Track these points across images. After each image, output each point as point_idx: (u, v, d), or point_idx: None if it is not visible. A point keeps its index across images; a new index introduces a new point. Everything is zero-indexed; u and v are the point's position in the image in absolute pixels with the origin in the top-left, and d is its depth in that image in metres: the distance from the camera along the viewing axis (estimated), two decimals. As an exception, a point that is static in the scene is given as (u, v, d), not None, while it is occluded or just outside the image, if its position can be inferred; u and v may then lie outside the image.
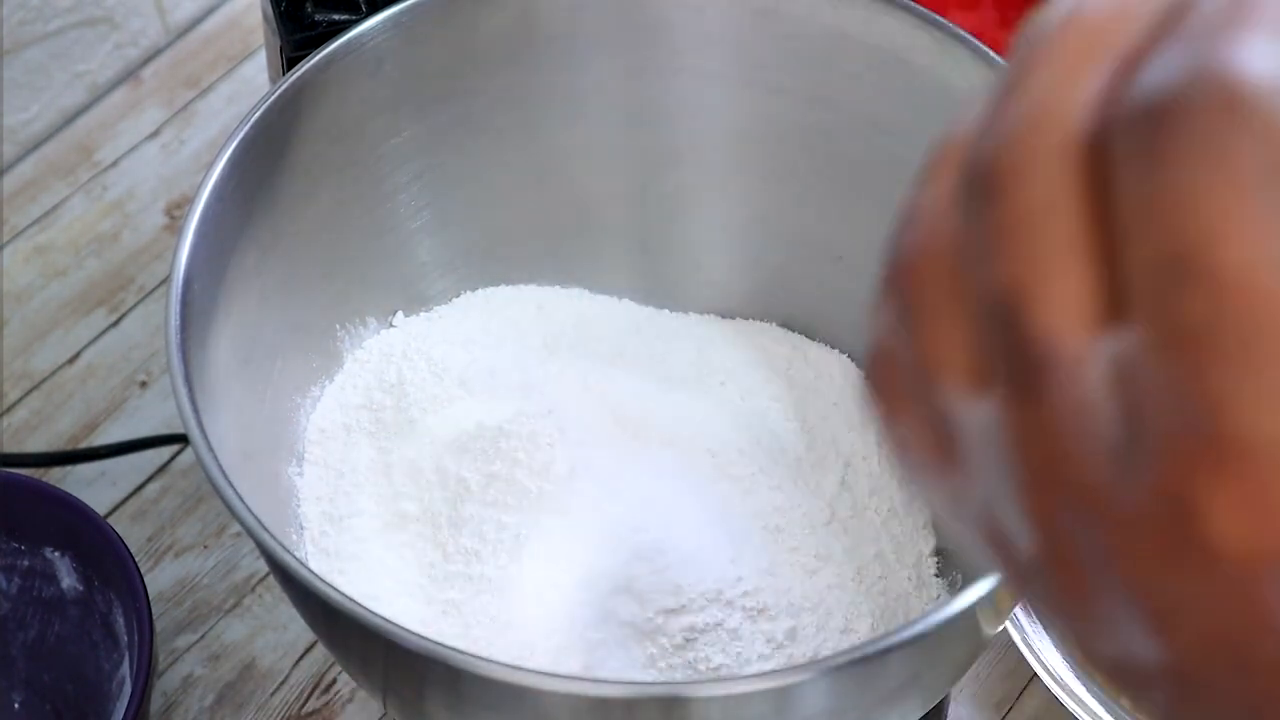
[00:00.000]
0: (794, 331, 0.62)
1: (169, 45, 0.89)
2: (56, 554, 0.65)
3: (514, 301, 0.60)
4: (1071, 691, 0.58)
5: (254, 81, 0.88)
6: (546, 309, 0.60)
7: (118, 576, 0.63)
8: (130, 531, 0.71)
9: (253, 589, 0.70)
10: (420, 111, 0.56)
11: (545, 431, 0.53)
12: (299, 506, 0.53)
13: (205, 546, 0.72)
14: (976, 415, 0.23)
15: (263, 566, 0.70)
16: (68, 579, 0.65)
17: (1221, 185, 0.19)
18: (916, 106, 0.54)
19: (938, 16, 0.52)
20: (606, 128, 0.59)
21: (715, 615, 0.49)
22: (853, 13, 0.54)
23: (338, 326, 0.57)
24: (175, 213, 0.83)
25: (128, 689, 0.62)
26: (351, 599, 0.41)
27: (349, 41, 0.53)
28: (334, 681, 0.68)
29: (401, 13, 0.54)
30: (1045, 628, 0.31)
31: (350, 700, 0.68)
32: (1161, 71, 0.20)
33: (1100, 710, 0.58)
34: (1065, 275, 0.21)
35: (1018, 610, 0.59)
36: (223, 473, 0.43)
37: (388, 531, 0.53)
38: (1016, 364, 0.22)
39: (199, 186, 0.49)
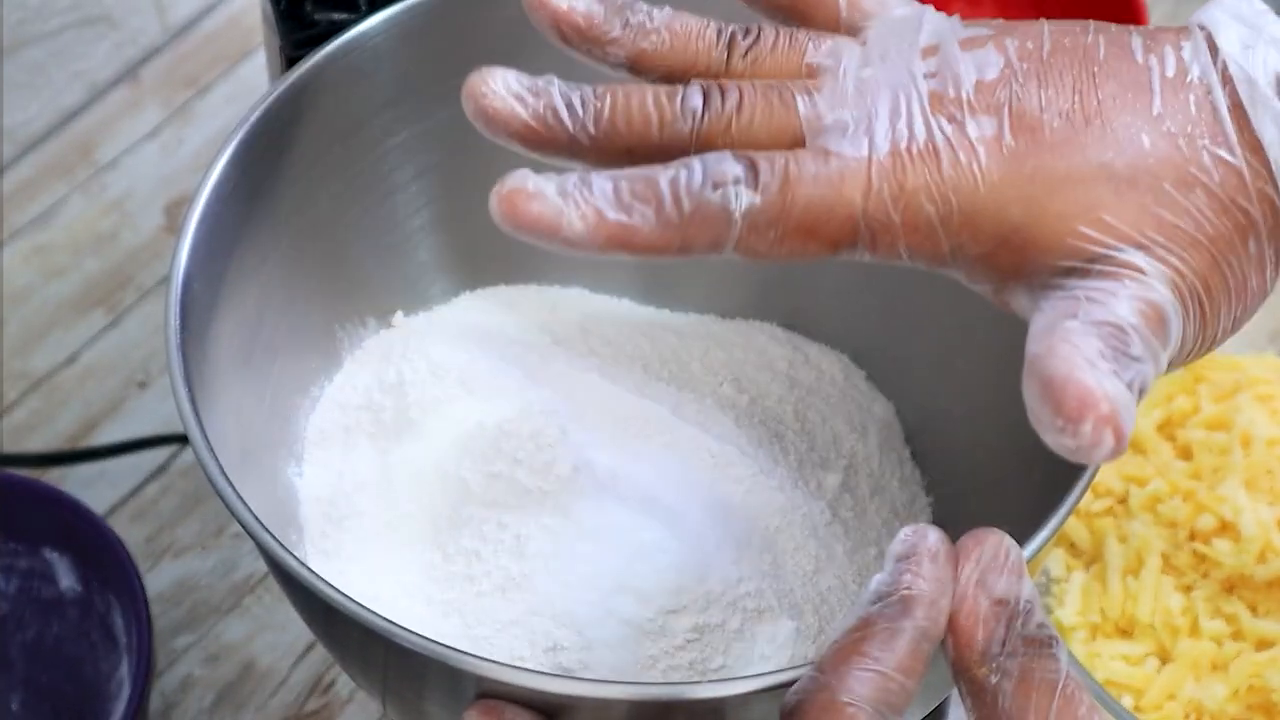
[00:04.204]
0: (794, 331, 0.62)
1: (168, 44, 0.89)
2: (55, 554, 0.65)
3: (514, 301, 0.60)
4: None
5: (253, 81, 0.88)
6: (546, 309, 0.60)
7: (116, 577, 0.63)
8: (129, 532, 0.71)
9: (252, 589, 0.70)
10: (420, 111, 0.56)
11: (546, 431, 0.53)
12: (298, 507, 0.53)
13: (204, 547, 0.72)
14: None
15: (262, 567, 0.70)
16: (66, 579, 0.65)
17: None
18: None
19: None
20: (606, 127, 0.59)
21: (717, 616, 0.49)
22: (853, 12, 0.53)
23: (337, 327, 0.57)
24: (174, 212, 0.83)
25: (126, 690, 0.62)
26: (351, 599, 0.41)
27: (349, 41, 0.53)
28: (333, 682, 0.68)
29: (401, 13, 0.54)
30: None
31: (350, 700, 0.68)
32: None
33: (1100, 711, 0.58)
34: None
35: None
36: (222, 473, 0.43)
37: (388, 532, 0.53)
38: None
39: (198, 186, 0.49)
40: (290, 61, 0.61)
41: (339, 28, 0.54)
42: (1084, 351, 0.38)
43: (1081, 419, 0.37)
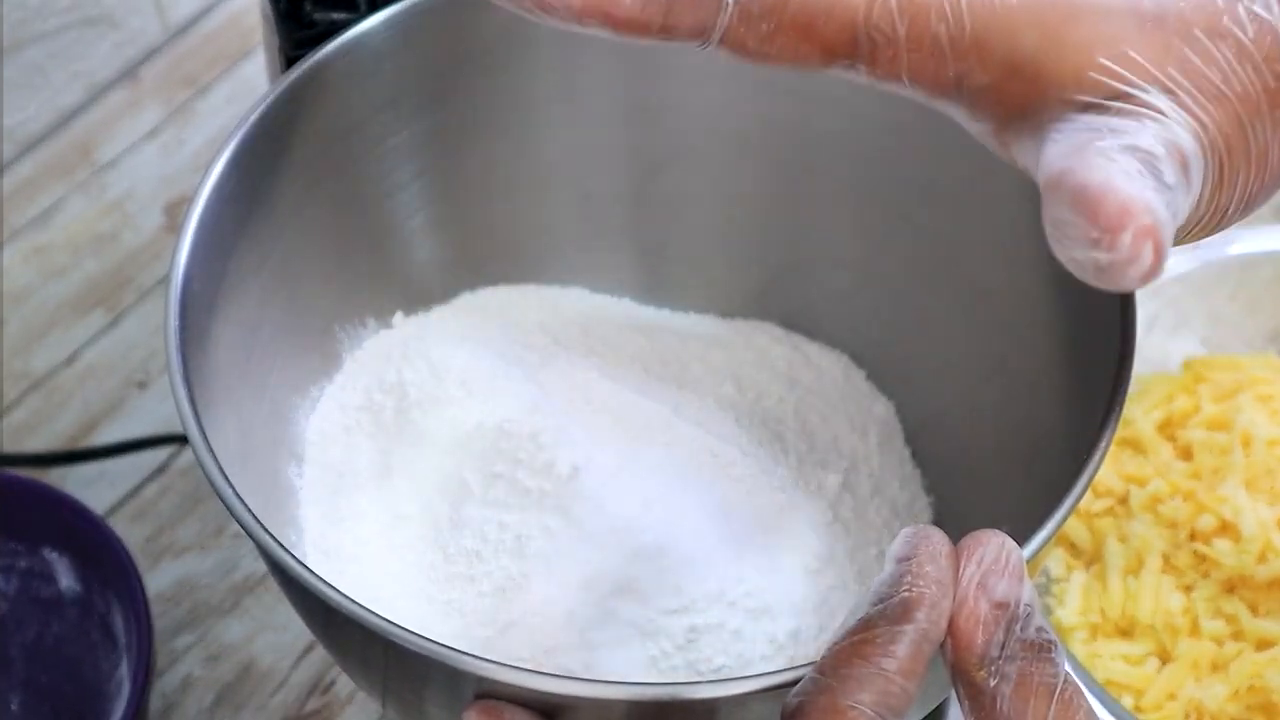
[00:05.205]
0: (794, 331, 0.62)
1: (168, 44, 0.89)
2: (55, 554, 0.65)
3: (514, 301, 0.60)
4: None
5: (253, 81, 0.88)
6: (546, 309, 0.60)
7: (116, 577, 0.63)
8: (129, 532, 0.71)
9: (252, 589, 0.70)
10: (420, 111, 0.56)
11: (546, 432, 0.53)
12: (298, 508, 0.53)
13: (204, 547, 0.72)
14: None
15: (262, 567, 0.70)
16: (66, 579, 0.65)
17: None
18: (917, 105, 0.54)
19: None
20: (606, 128, 0.59)
21: (717, 616, 0.49)
22: (854, 12, 0.53)
23: (337, 327, 0.57)
24: (174, 212, 0.83)
25: (126, 690, 0.62)
26: (351, 599, 0.41)
27: (348, 41, 0.53)
28: (333, 682, 0.68)
29: (401, 12, 0.54)
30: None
31: (349, 701, 0.68)
32: None
33: (1101, 711, 0.58)
34: None
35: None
36: (222, 473, 0.43)
37: (388, 533, 0.53)
38: None
39: (198, 186, 0.49)
40: (290, 61, 0.61)
41: (339, 27, 0.54)
42: (1121, 164, 0.36)
43: (1121, 227, 0.35)
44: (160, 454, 0.74)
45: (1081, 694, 0.37)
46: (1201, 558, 0.63)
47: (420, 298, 0.59)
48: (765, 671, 0.41)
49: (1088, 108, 0.37)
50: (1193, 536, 0.64)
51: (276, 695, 0.68)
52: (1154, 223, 0.35)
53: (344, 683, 0.68)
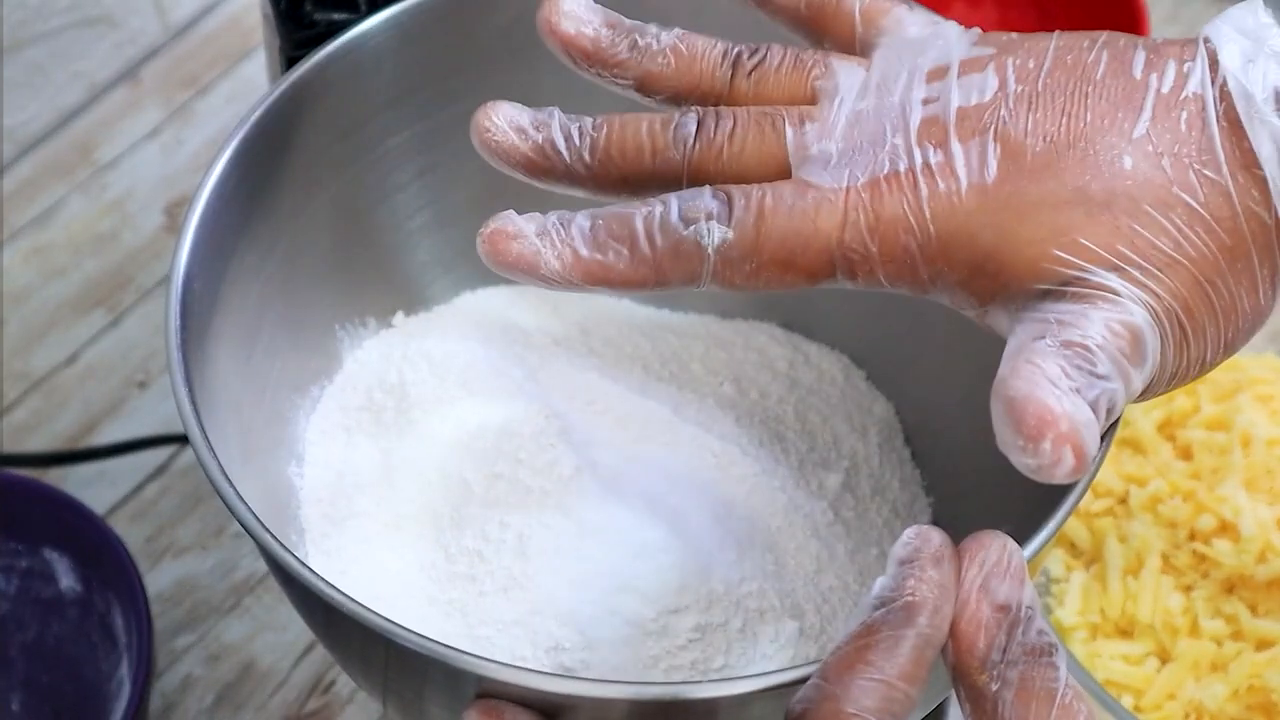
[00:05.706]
0: (794, 331, 0.62)
1: (168, 44, 0.89)
2: (55, 554, 0.65)
3: (514, 301, 0.60)
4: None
5: (253, 81, 0.88)
6: (547, 309, 0.60)
7: (116, 577, 0.63)
8: (129, 532, 0.71)
9: (252, 589, 0.71)
10: (420, 111, 0.56)
11: (547, 432, 0.53)
12: (299, 508, 0.53)
13: (204, 547, 0.72)
14: None
15: (262, 567, 0.70)
16: (66, 579, 0.65)
17: None
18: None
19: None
20: (606, 127, 0.59)
21: (718, 615, 0.49)
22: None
23: (337, 326, 0.57)
24: (174, 212, 0.83)
25: (126, 690, 0.62)
26: (352, 599, 0.41)
27: (349, 41, 0.53)
28: (333, 682, 0.68)
29: (401, 12, 0.54)
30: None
31: (350, 701, 0.68)
32: None
33: (1100, 711, 0.58)
34: None
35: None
36: (223, 472, 0.43)
37: (389, 533, 0.53)
38: None
39: (199, 185, 0.49)
40: (290, 61, 0.61)
41: (339, 28, 0.54)
42: (1046, 371, 0.39)
43: (1040, 437, 0.38)
44: (160, 454, 0.74)
45: (1082, 698, 0.37)
46: (1201, 558, 0.63)
47: (421, 298, 0.59)
48: (766, 671, 0.41)
49: (1046, 295, 0.40)
50: (1192, 536, 0.64)
51: (276, 695, 0.68)
52: (1071, 429, 0.38)
53: (344, 682, 0.68)
